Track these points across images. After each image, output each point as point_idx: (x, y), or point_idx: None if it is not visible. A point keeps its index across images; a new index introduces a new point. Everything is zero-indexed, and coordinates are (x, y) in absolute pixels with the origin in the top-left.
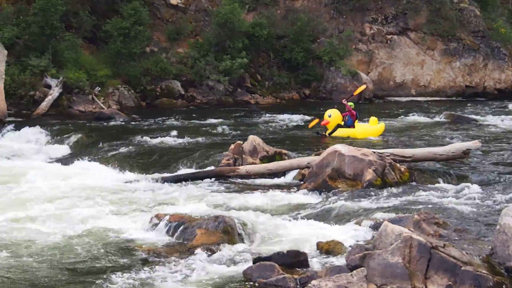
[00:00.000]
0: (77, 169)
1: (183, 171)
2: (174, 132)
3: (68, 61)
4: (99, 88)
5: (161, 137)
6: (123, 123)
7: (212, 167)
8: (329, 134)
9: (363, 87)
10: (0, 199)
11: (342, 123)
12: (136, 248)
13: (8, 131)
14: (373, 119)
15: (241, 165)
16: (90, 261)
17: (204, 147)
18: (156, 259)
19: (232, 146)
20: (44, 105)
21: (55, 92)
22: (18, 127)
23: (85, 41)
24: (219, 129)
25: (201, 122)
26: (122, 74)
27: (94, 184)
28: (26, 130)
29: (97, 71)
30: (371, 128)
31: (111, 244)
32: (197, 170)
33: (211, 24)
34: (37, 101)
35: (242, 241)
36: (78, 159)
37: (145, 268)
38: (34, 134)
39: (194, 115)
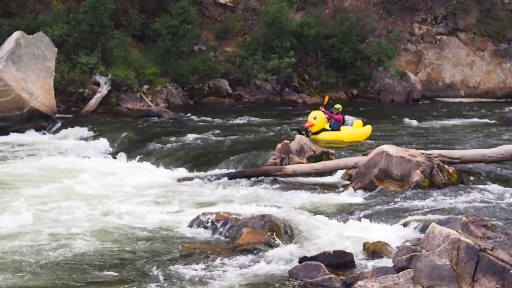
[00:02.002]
0: (125, 166)
1: (230, 169)
2: (221, 131)
3: (117, 59)
4: (147, 86)
5: (208, 135)
6: (170, 121)
7: (259, 166)
8: (312, 134)
9: (326, 98)
10: (48, 195)
11: (328, 127)
12: (182, 245)
13: (57, 128)
14: (357, 122)
15: (288, 164)
16: (137, 257)
17: (251, 146)
18: (202, 257)
19: (279, 145)
20: (93, 102)
21: (103, 89)
22: (67, 124)
23: (134, 39)
24: (266, 128)
25: (248, 121)
26: (170, 72)
27: (141, 181)
28: (74, 127)
29: (145, 69)
30: (357, 131)
31: (158, 241)
32: (244, 169)
33: (259, 23)
34: (86, 99)
35: (288, 240)
36: (126, 157)
37: (191, 266)
38: (82, 131)
39: (241, 114)
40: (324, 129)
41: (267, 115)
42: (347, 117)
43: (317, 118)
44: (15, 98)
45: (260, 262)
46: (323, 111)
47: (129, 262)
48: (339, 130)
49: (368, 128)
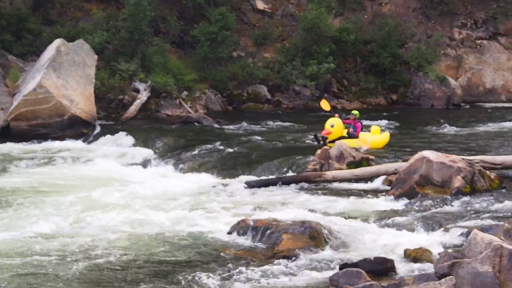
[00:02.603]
0: (164, 172)
1: (270, 175)
2: (260, 137)
3: (156, 65)
4: (186, 93)
5: (247, 141)
6: (209, 127)
7: (299, 172)
8: (329, 142)
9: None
10: (88, 201)
11: (345, 133)
12: (222, 251)
13: (97, 135)
14: (374, 128)
15: (328, 170)
16: (176, 265)
17: (290, 152)
18: (242, 263)
19: (319, 151)
20: (133, 109)
21: (143, 96)
22: (107, 130)
23: (173, 46)
24: (305, 134)
25: (287, 127)
26: (209, 79)
27: (180, 187)
28: (115, 133)
29: (184, 76)
30: (375, 138)
31: (197, 247)
32: (284, 175)
33: (297, 29)
34: (125, 105)
35: (328, 246)
36: (165, 163)
37: (231, 272)
38: (122, 138)
39: (280, 119)
40: (342, 137)
41: (306, 121)
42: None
43: (334, 126)
44: (56, 105)
45: (300, 268)
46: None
47: (169, 270)
48: (357, 137)
49: (387, 135)
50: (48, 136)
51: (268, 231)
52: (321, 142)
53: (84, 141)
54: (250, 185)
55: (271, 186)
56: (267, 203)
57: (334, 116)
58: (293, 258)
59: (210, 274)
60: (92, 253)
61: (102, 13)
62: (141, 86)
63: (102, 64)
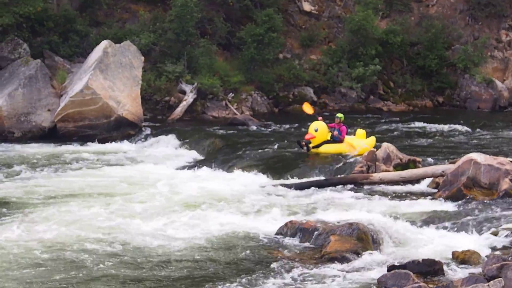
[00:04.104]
0: (210, 174)
1: (316, 177)
2: None
3: (202, 67)
4: (233, 94)
5: (293, 143)
6: (255, 129)
7: (345, 174)
8: (312, 148)
9: (306, 104)
10: (136, 203)
11: (330, 137)
12: (269, 253)
13: (144, 136)
14: (360, 132)
15: (375, 172)
16: (224, 263)
17: (336, 154)
18: (289, 264)
19: (366, 153)
20: (179, 110)
21: (189, 97)
22: (153, 132)
23: (219, 48)
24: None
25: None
26: (255, 80)
27: (227, 189)
28: (161, 135)
29: (230, 77)
30: (362, 143)
31: (245, 248)
32: (330, 177)
33: (344, 31)
34: (172, 107)
35: (376, 248)
36: (211, 165)
37: (279, 274)
38: (168, 139)
39: (326, 122)
40: (326, 141)
41: (353, 123)
42: None
43: (318, 130)
44: (103, 107)
45: (348, 270)
46: (325, 123)
47: (217, 270)
48: (342, 141)
49: (372, 139)
50: (94, 137)
51: (316, 233)
52: (305, 148)
53: (130, 143)
54: (297, 187)
55: (317, 188)
56: (314, 205)
57: (317, 120)
58: (341, 259)
59: (258, 275)
60: (141, 255)
61: (149, 14)
62: (187, 87)
63: (148, 65)
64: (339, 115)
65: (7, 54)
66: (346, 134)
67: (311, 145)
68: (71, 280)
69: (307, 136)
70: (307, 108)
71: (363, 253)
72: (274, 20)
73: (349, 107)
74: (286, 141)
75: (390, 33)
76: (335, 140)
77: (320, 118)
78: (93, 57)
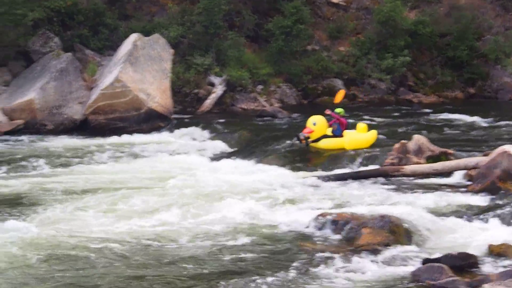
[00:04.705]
0: (240, 166)
1: (346, 169)
2: None
3: (231, 59)
4: (262, 86)
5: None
6: (284, 121)
7: (376, 166)
8: (311, 142)
9: (342, 92)
10: (165, 195)
11: (330, 132)
12: (300, 245)
13: (173, 128)
14: (360, 125)
15: (406, 164)
16: (254, 256)
17: (368, 146)
18: (321, 257)
19: (397, 145)
20: (208, 103)
21: (218, 90)
22: (183, 124)
23: (247, 40)
24: (382, 128)
25: (363, 120)
26: (283, 73)
27: (256, 181)
28: (190, 127)
29: (259, 69)
30: (360, 137)
31: (276, 241)
32: (361, 169)
33: (372, 22)
34: (201, 99)
35: (408, 241)
36: (241, 157)
37: (311, 266)
38: (198, 131)
39: (355, 113)
40: (325, 136)
41: (382, 115)
42: None
43: (316, 124)
44: (133, 99)
45: (380, 263)
46: (329, 114)
47: (247, 263)
48: (341, 136)
49: (374, 133)
50: (125, 129)
51: (347, 225)
52: (304, 142)
53: (160, 135)
54: (327, 179)
55: (348, 180)
56: (345, 197)
57: (325, 112)
58: (373, 252)
59: (289, 268)
60: (172, 247)
61: (177, 7)
62: (216, 80)
63: (177, 58)
64: (338, 109)
65: (38, 48)
66: (347, 128)
67: (310, 140)
68: (101, 276)
69: (305, 131)
70: (339, 97)
71: (396, 246)
72: (302, 12)
73: (379, 99)
74: None
75: (419, 24)
76: (335, 134)
77: (328, 111)
78: (123, 50)
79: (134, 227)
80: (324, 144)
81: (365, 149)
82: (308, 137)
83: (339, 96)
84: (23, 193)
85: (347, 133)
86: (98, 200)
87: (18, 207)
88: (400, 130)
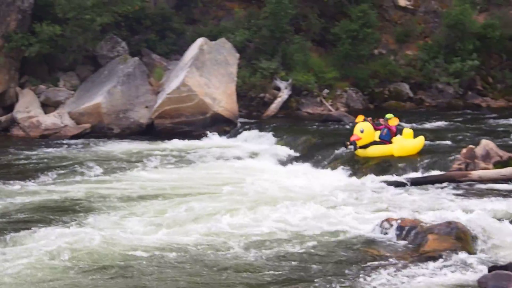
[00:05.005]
0: (305, 170)
1: (412, 175)
2: None
3: (297, 63)
4: (327, 91)
5: None
6: (350, 125)
7: (442, 172)
8: (359, 147)
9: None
10: (229, 198)
11: (378, 138)
12: (365, 250)
13: (239, 132)
14: (407, 131)
15: (473, 170)
16: (318, 261)
17: (433, 151)
18: (386, 263)
19: (464, 150)
20: (274, 107)
21: (284, 94)
22: (248, 128)
23: (313, 44)
24: (449, 132)
25: (430, 125)
26: (350, 77)
27: (321, 185)
28: (256, 131)
29: (325, 74)
30: (408, 144)
31: (340, 245)
32: (427, 174)
33: (441, 26)
34: (266, 103)
35: (475, 248)
36: (306, 161)
37: (375, 272)
38: (263, 136)
39: (422, 118)
40: (374, 142)
41: (450, 119)
42: None
43: (364, 132)
44: (199, 103)
45: (446, 270)
46: (371, 124)
47: (310, 267)
48: (390, 142)
49: (421, 139)
50: (191, 133)
51: (413, 231)
52: (350, 147)
53: (226, 139)
54: (393, 184)
55: (414, 185)
56: (410, 203)
57: (368, 119)
58: (439, 259)
59: (353, 273)
60: (232, 253)
61: (244, 11)
62: (282, 84)
63: (243, 62)
64: (388, 115)
65: (106, 52)
66: (396, 135)
67: (358, 146)
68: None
69: (352, 138)
70: (359, 119)
71: (462, 253)
72: (369, 15)
73: (446, 103)
74: None
75: (489, 27)
76: (384, 139)
77: (369, 119)
78: (189, 55)
79: (193, 233)
80: (372, 151)
81: (430, 154)
82: (355, 143)
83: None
84: (78, 199)
85: (396, 139)
86: (158, 206)
87: (71, 213)
88: (467, 134)
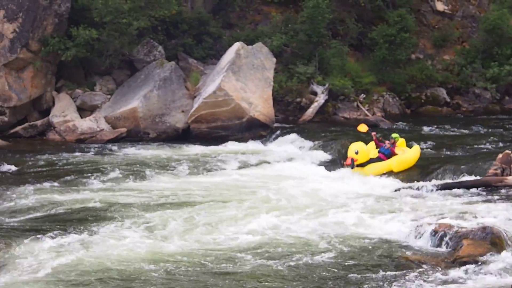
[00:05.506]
0: (341, 175)
1: (447, 180)
2: (438, 140)
3: (334, 68)
4: (364, 95)
5: (425, 145)
6: (387, 130)
7: (478, 177)
8: (357, 166)
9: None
10: (265, 203)
11: (374, 155)
12: (400, 255)
13: (275, 137)
14: (399, 140)
15: (510, 175)
16: (355, 264)
17: (469, 156)
18: (421, 267)
19: (500, 155)
20: (310, 111)
21: (321, 99)
22: (285, 133)
23: (350, 48)
24: (485, 138)
25: (467, 130)
26: (386, 81)
27: (357, 190)
28: (292, 135)
29: (362, 78)
30: (407, 157)
31: (376, 249)
32: (463, 180)
33: (478, 30)
34: (303, 108)
35: (510, 253)
36: (342, 166)
37: (410, 277)
38: (299, 140)
39: (459, 123)
40: (370, 159)
41: (486, 124)
42: None
43: (359, 153)
44: (235, 108)
45: (481, 275)
46: (374, 139)
47: (347, 271)
48: (390, 155)
49: (417, 150)
50: (227, 138)
51: (448, 236)
52: (348, 165)
53: (262, 144)
54: (428, 189)
55: (449, 190)
56: (445, 208)
57: (371, 135)
58: (474, 264)
59: (389, 277)
60: (264, 257)
61: (281, 16)
62: (318, 89)
63: (280, 67)
64: (394, 135)
65: (143, 57)
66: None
67: (355, 164)
68: None
69: (347, 161)
70: (362, 128)
71: (497, 257)
72: (407, 20)
73: (483, 108)
74: (418, 142)
75: None
76: (381, 154)
77: (374, 133)
78: (226, 59)
79: (221, 238)
80: (370, 170)
81: (466, 159)
82: (353, 161)
83: (362, 128)
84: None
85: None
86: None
87: (89, 222)
88: (504, 139)
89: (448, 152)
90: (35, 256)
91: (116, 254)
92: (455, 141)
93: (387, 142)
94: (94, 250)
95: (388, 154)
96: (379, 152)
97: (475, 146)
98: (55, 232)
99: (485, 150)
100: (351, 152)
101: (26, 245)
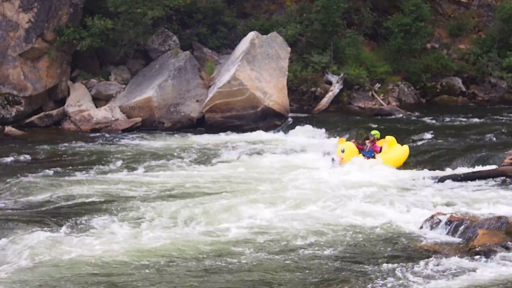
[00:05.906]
0: (355, 165)
1: (462, 170)
2: (454, 130)
3: (348, 57)
4: (379, 85)
5: (440, 134)
6: (402, 120)
7: (494, 166)
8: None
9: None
10: (278, 192)
11: (360, 155)
12: (415, 245)
13: (290, 126)
14: (389, 138)
15: None
16: (368, 255)
17: (485, 145)
18: (436, 257)
19: None
20: (325, 101)
21: (335, 88)
22: (299, 122)
23: (365, 38)
24: (501, 127)
25: (482, 120)
26: (402, 71)
27: (372, 180)
28: (307, 125)
29: (377, 68)
30: (394, 156)
31: (389, 240)
32: (478, 169)
33: (494, 19)
34: (318, 97)
35: None
36: (357, 155)
37: (425, 266)
38: (314, 130)
39: (474, 112)
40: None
41: (502, 114)
42: None
43: (345, 151)
44: (250, 97)
45: (497, 264)
46: (356, 145)
47: (360, 262)
48: (373, 157)
49: (406, 149)
50: (241, 127)
51: (463, 226)
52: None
53: (277, 133)
54: (444, 179)
55: (464, 180)
56: (461, 198)
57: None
58: (489, 253)
59: (403, 267)
60: (279, 246)
61: (296, 5)
62: (333, 78)
63: (295, 56)
64: (374, 132)
65: (157, 46)
66: (379, 152)
67: (341, 162)
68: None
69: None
70: (340, 141)
71: None
72: (422, 9)
73: (499, 98)
74: (431, 133)
75: None
76: (367, 156)
77: (353, 140)
78: (241, 49)
79: (234, 228)
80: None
81: (481, 149)
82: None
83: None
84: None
85: (379, 154)
86: (215, 201)
87: (86, 213)
88: None
89: (463, 142)
90: (48, 248)
91: (116, 245)
92: (470, 131)
93: (367, 142)
94: (92, 243)
95: (371, 155)
96: (363, 155)
97: (491, 135)
98: (66, 223)
99: (500, 139)
100: (338, 151)
101: (32, 234)
